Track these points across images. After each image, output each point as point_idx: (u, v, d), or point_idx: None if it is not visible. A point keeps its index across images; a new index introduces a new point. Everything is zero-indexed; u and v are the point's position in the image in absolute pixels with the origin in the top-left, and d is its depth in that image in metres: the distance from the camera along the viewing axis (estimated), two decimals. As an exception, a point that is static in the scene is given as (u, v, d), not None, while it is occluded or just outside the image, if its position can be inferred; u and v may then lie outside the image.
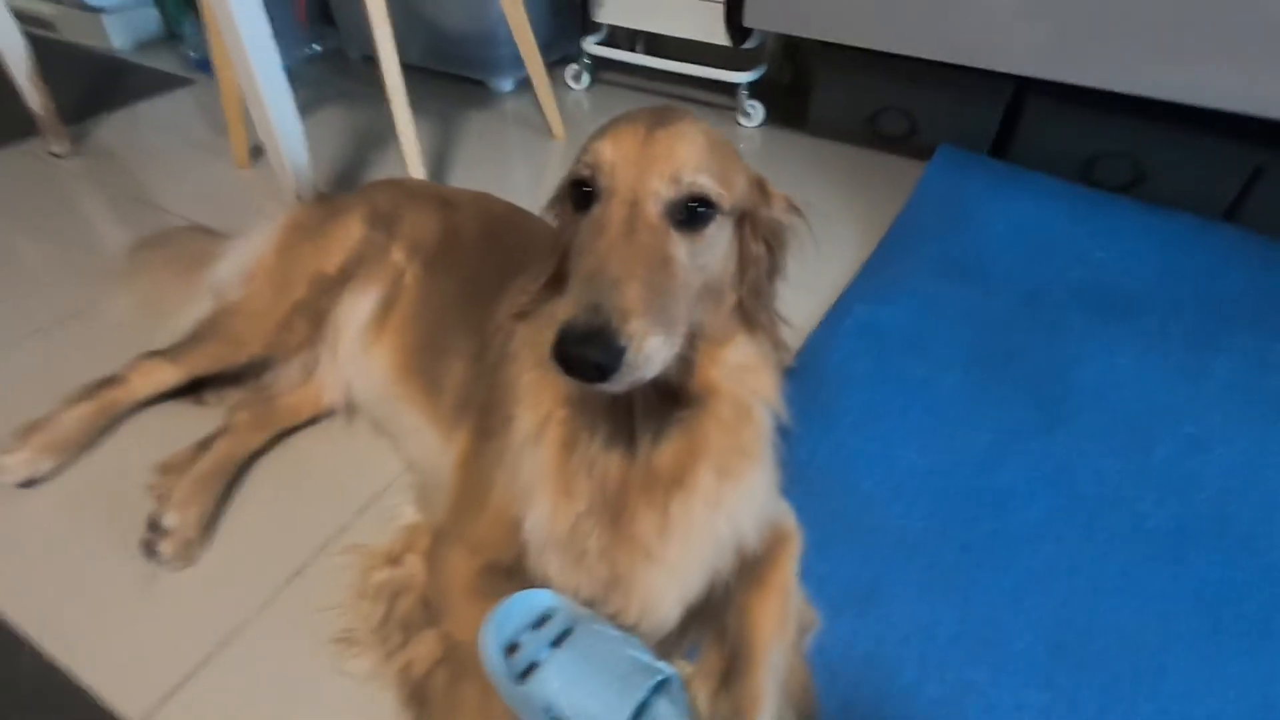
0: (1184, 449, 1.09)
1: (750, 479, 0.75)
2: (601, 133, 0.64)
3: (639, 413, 0.70)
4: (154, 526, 0.89)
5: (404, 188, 1.18)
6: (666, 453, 0.71)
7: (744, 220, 0.68)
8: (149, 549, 0.89)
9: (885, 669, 0.82)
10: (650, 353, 0.55)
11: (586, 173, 0.63)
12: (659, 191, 0.61)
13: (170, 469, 0.98)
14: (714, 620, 0.82)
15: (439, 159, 1.82)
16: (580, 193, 0.64)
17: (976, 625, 0.87)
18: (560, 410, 0.73)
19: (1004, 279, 1.43)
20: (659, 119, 0.63)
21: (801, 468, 1.04)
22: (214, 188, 1.67)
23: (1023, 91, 1.72)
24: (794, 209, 0.73)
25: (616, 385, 0.55)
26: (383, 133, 1.90)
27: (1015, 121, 1.76)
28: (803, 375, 1.20)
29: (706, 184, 0.62)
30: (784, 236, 0.72)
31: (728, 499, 0.73)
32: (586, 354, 0.53)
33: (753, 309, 0.72)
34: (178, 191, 1.64)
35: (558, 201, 0.73)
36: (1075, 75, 1.53)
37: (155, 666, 0.80)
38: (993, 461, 1.07)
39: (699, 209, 0.62)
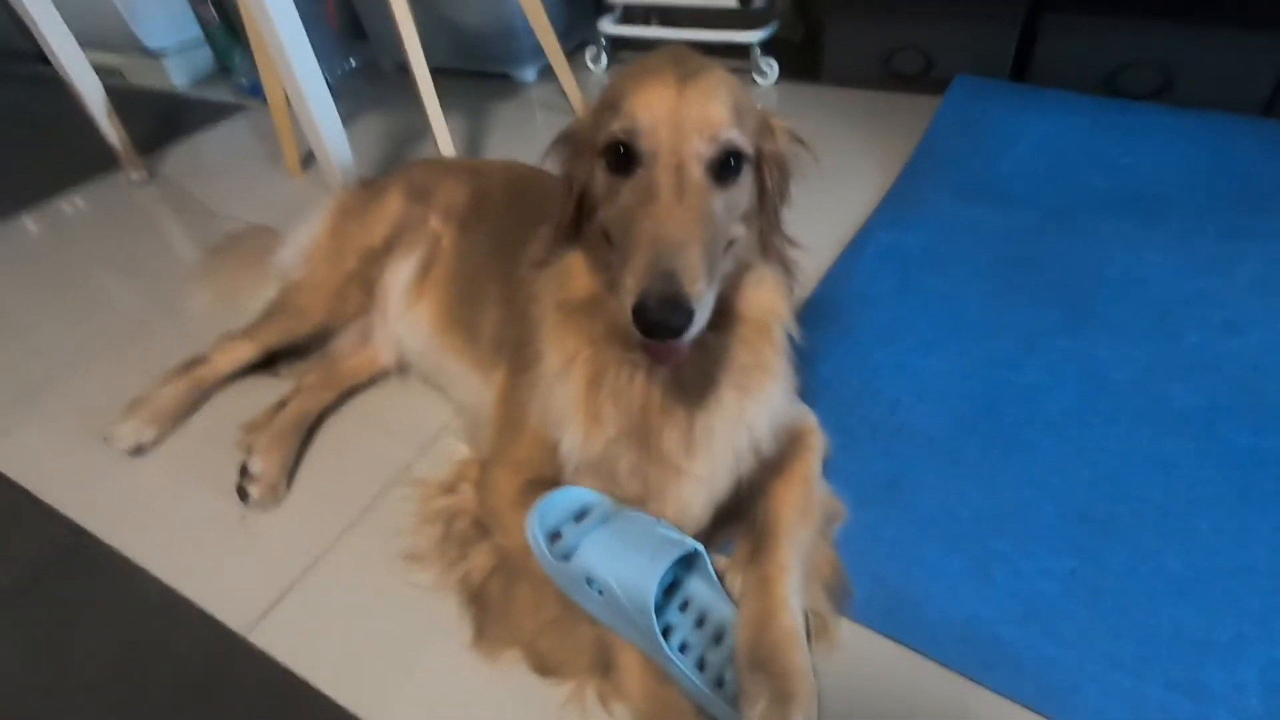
0: (1216, 334, 1.09)
1: (768, 391, 0.81)
2: (629, 87, 0.66)
3: None
4: (244, 473, 1.02)
5: (438, 164, 1.29)
6: (689, 376, 0.77)
7: (758, 157, 0.72)
8: (242, 493, 1.01)
9: (912, 547, 0.86)
10: (708, 306, 0.62)
11: (623, 136, 0.65)
12: (700, 152, 0.64)
13: (253, 427, 1.11)
14: (744, 517, 0.88)
15: (472, 149, 1.93)
16: (616, 156, 0.66)
17: (1001, 504, 0.90)
18: (586, 350, 0.79)
19: (1026, 195, 1.43)
20: (685, 71, 0.65)
21: (826, 382, 1.09)
22: (272, 195, 1.82)
23: (1037, 9, 1.71)
24: (797, 139, 0.77)
25: (685, 340, 0.62)
26: (419, 131, 2.03)
27: (1032, 44, 1.75)
28: (826, 299, 1.24)
29: (739, 139, 0.66)
30: (789, 167, 0.76)
31: (748, 412, 0.80)
32: (668, 320, 0.59)
33: (767, 237, 0.77)
34: (241, 202, 1.80)
35: (565, 148, 0.78)
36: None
37: (256, 587, 0.92)
38: (1016, 361, 1.09)
39: (731, 161, 0.67)
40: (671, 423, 0.78)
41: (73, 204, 1.90)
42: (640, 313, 0.59)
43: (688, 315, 0.59)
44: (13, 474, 1.11)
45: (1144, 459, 0.92)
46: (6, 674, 0.86)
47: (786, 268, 0.80)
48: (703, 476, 0.80)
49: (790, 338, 0.82)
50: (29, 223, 1.83)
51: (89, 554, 0.99)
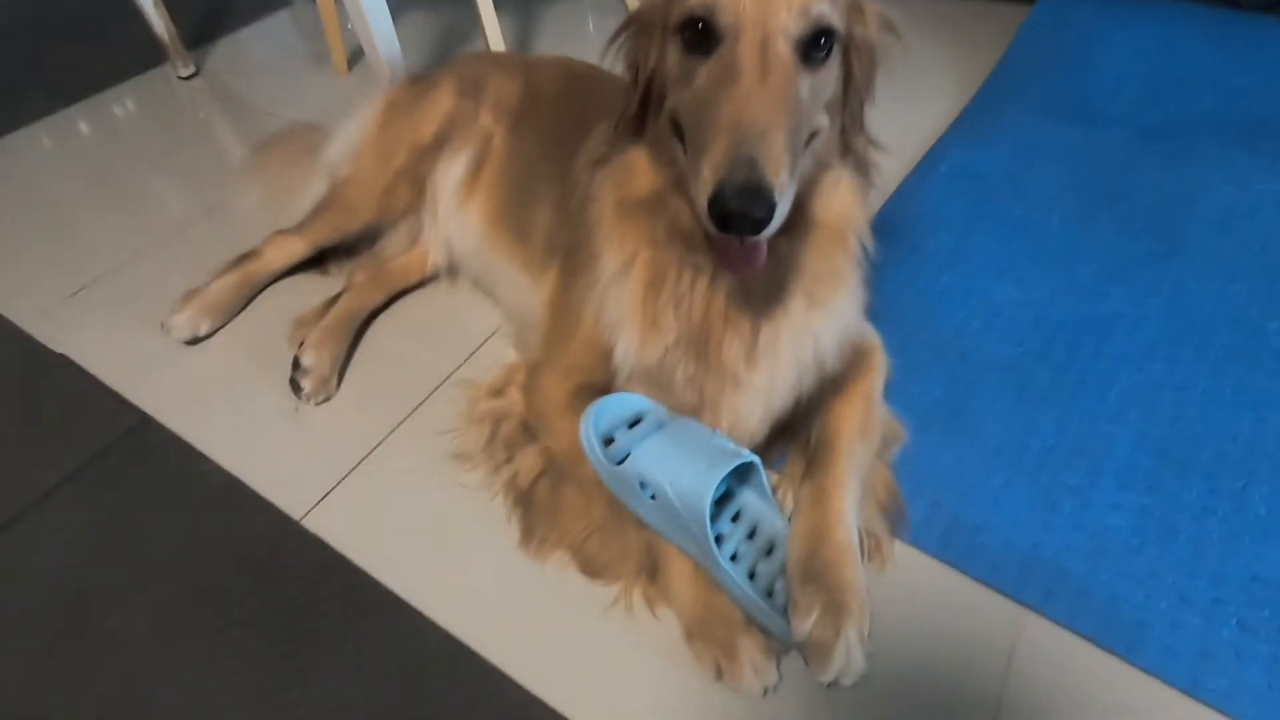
0: (1326, 269, 1.00)
1: (839, 302, 0.77)
2: None
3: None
4: (296, 366, 1.02)
5: (490, 58, 1.23)
6: (756, 282, 0.73)
7: (847, 41, 0.65)
8: (294, 385, 1.02)
9: (974, 474, 0.83)
10: (789, 200, 0.57)
11: (703, 11, 0.59)
12: (789, 28, 0.58)
13: (303, 322, 1.11)
14: (799, 434, 0.86)
15: (521, 49, 1.85)
16: (694, 33, 0.61)
17: (1073, 436, 0.85)
18: (646, 251, 0.76)
19: (1119, 115, 1.31)
20: None
21: (889, 303, 1.03)
22: (318, 93, 1.78)
23: (1151, -94, 1.53)
24: (889, 26, 0.69)
25: (765, 237, 0.57)
26: (469, 30, 1.94)
27: (1142, -56, 1.57)
28: (893, 217, 1.18)
29: (829, 13, 0.59)
30: (878, 56, 0.69)
31: (816, 323, 0.76)
32: (749, 211, 0.54)
33: (849, 134, 0.71)
34: (286, 100, 1.76)
35: (633, 31, 0.71)
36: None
37: (310, 477, 0.93)
38: (1098, 291, 1.02)
39: (821, 40, 0.60)
40: (734, 331, 0.75)
41: (120, 98, 1.88)
42: (718, 203, 0.54)
43: (769, 207, 0.54)
44: (78, 359, 1.13)
45: (1233, 397, 0.87)
46: (82, 549, 0.89)
47: (865, 170, 0.75)
48: (762, 389, 0.77)
49: (864, 248, 0.77)
50: (77, 116, 1.81)
51: (153, 438, 1.01)
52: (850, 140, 0.72)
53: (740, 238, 0.59)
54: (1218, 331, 0.94)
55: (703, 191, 0.56)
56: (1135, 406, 0.87)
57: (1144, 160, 1.21)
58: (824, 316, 0.75)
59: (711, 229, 0.57)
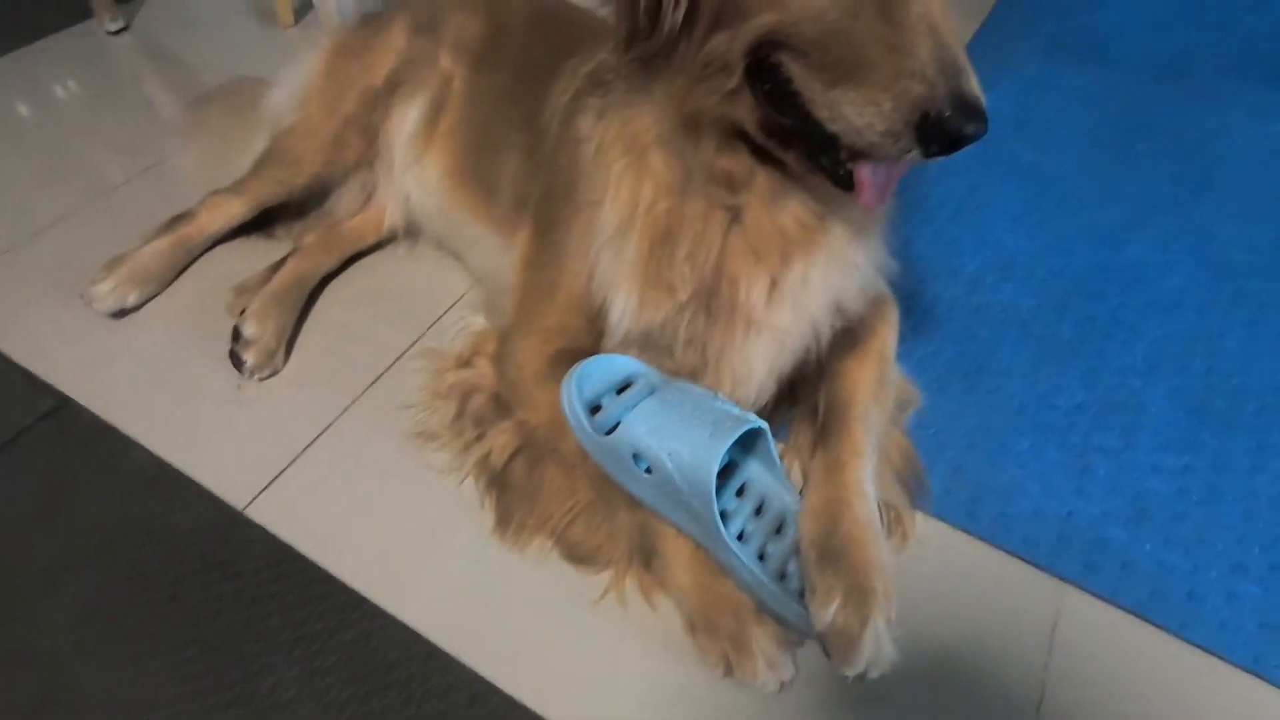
0: (1358, 209, 0.93)
1: (879, 229, 0.69)
2: None
3: (758, 172, 0.62)
4: (237, 337, 0.90)
5: (447, -7, 1.10)
6: (792, 211, 0.64)
7: None
8: (235, 359, 0.90)
9: (998, 437, 0.76)
10: None
11: None
12: None
13: (245, 289, 0.99)
14: (804, 399, 0.77)
15: None
16: None
17: (1103, 393, 0.78)
18: (663, 201, 0.65)
19: (1132, 54, 1.23)
20: None
21: (894, 256, 0.95)
22: (261, 49, 1.63)
23: None
24: None
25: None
26: (425, -19, 1.80)
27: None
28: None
29: None
30: None
31: (856, 251, 0.67)
32: (964, 130, 0.46)
33: None
34: (226, 56, 1.61)
35: None
36: None
37: (254, 461, 0.83)
38: (1120, 237, 0.94)
39: None
40: (762, 266, 0.65)
41: (42, 54, 1.71)
42: (936, 123, 0.46)
43: (986, 120, 0.46)
44: (-15, 335, 1.01)
45: (1273, 346, 0.80)
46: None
47: None
48: (780, 330, 0.68)
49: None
50: (-3, 74, 1.65)
51: (74, 422, 0.89)
52: None
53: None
54: (1251, 277, 0.87)
55: (898, 105, 0.47)
56: (1167, 359, 0.80)
57: (1159, 101, 1.13)
58: (866, 247, 0.67)
59: (914, 152, 0.48)
